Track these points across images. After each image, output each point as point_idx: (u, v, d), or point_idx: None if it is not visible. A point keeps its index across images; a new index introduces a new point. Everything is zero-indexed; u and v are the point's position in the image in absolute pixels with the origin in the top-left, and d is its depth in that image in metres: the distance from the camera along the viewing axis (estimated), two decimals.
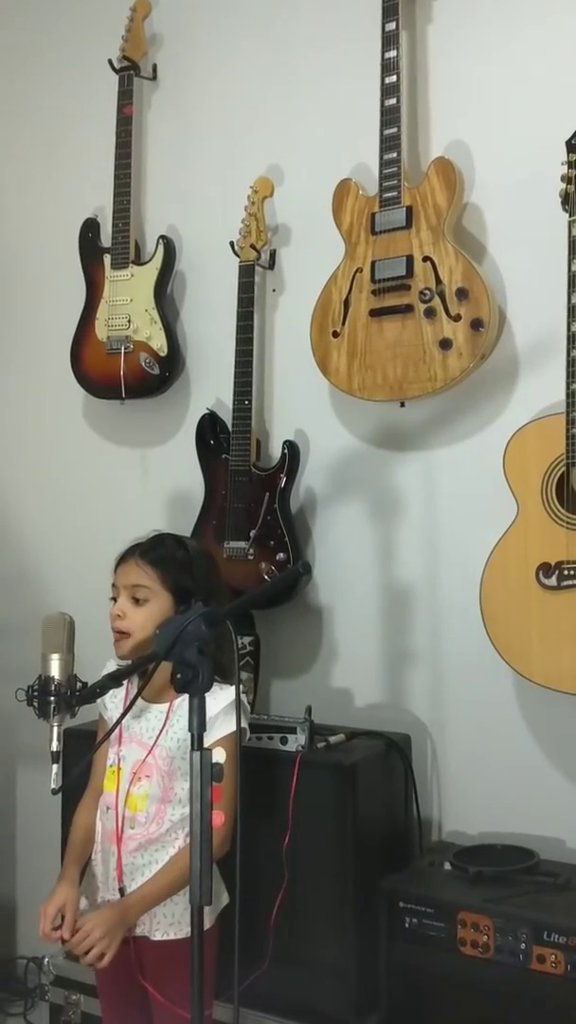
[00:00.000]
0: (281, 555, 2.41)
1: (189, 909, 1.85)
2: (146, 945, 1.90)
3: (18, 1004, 2.86)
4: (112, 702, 2.02)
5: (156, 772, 1.90)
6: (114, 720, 1.94)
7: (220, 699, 1.84)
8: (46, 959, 2.40)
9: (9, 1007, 2.88)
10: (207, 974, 1.85)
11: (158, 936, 1.88)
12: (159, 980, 1.90)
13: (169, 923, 1.88)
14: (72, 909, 1.85)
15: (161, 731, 1.92)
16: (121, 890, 1.89)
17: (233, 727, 1.83)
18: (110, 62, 2.72)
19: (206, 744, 1.45)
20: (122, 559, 1.97)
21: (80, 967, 2.24)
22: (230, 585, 2.40)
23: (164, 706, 1.94)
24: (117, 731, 1.94)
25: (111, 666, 1.93)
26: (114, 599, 1.96)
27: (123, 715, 1.77)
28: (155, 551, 1.95)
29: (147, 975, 1.91)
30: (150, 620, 1.89)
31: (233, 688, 1.82)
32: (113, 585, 1.97)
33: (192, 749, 1.43)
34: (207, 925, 1.89)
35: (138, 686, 1.91)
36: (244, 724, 1.96)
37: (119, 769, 1.93)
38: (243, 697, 2.01)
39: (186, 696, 1.45)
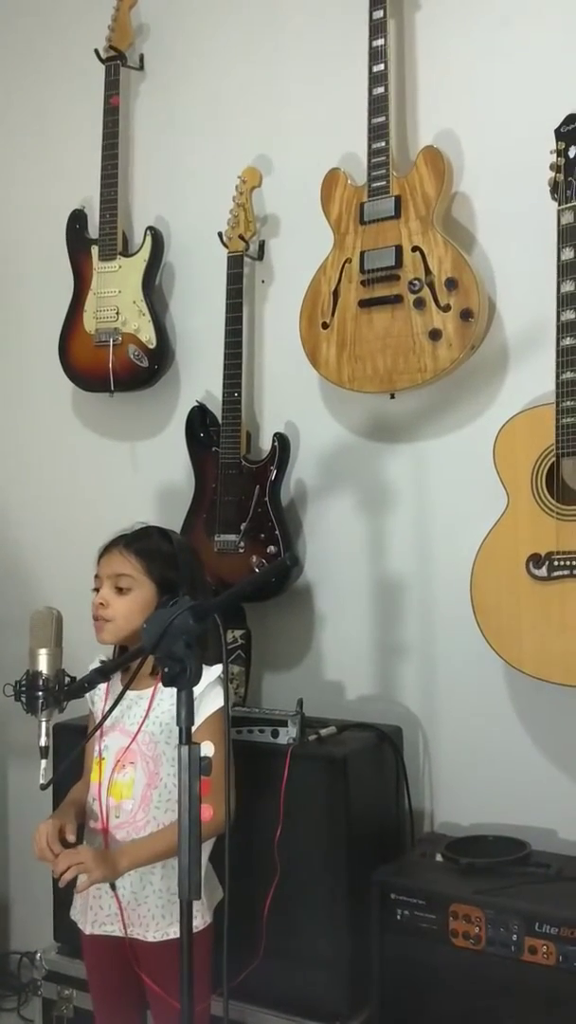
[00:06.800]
0: (272, 548, 2.40)
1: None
2: (142, 945, 1.89)
3: (11, 999, 2.87)
4: (97, 695, 2.00)
5: (140, 758, 1.89)
6: (100, 715, 1.93)
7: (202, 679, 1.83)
8: (39, 954, 2.40)
9: (2, 1002, 2.88)
10: (204, 969, 1.85)
11: (156, 937, 1.86)
12: (156, 975, 1.88)
13: (168, 923, 1.86)
14: (72, 829, 1.81)
15: (145, 717, 1.90)
16: (112, 884, 1.87)
17: (218, 704, 1.83)
18: (96, 52, 2.70)
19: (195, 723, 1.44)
20: (106, 549, 1.96)
21: (74, 963, 2.24)
22: (221, 578, 2.40)
23: (146, 692, 1.91)
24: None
25: (98, 662, 1.92)
26: (96, 590, 1.94)
27: (111, 709, 1.76)
28: (140, 542, 1.94)
29: (143, 969, 1.90)
30: (133, 609, 1.88)
31: (213, 668, 1.81)
32: (96, 576, 1.96)
33: (180, 743, 1.42)
34: (204, 921, 1.89)
35: (123, 680, 1.90)
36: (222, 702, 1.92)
37: (102, 760, 1.92)
38: (219, 674, 1.93)
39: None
